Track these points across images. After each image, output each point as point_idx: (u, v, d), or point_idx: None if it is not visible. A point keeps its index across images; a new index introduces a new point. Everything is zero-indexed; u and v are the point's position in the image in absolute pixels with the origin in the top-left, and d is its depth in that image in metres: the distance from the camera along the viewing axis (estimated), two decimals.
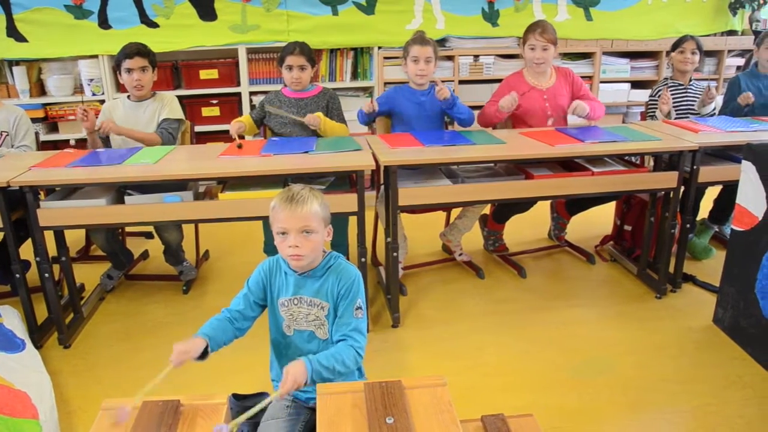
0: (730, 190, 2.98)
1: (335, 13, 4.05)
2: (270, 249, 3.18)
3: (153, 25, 3.91)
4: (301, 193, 1.55)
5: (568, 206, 3.32)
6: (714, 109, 3.26)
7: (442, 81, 3.03)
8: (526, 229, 3.62)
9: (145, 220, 2.50)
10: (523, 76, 3.07)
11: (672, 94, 3.23)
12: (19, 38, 3.80)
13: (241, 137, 2.83)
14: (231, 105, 4.12)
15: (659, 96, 3.21)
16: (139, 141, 2.85)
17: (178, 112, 2.99)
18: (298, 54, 2.87)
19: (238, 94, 4.11)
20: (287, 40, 3.87)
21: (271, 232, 3.33)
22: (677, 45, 3.24)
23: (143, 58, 2.83)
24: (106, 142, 2.94)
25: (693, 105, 3.26)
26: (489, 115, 2.99)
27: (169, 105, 2.96)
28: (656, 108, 3.27)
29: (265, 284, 1.68)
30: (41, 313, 2.59)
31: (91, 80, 3.93)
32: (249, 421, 1.83)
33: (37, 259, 2.42)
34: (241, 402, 1.94)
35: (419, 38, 2.86)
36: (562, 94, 3.08)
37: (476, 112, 3.00)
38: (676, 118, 3.18)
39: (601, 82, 4.44)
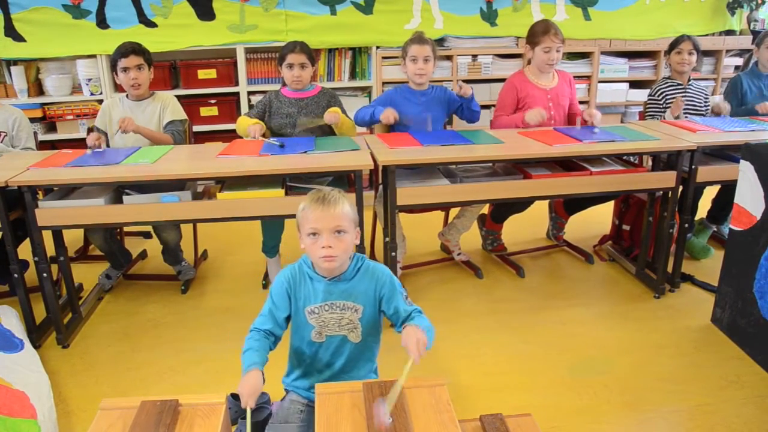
0: (728, 189, 2.98)
1: (333, 12, 4.05)
2: (268, 249, 3.18)
3: (151, 24, 3.91)
4: (332, 194, 1.54)
5: (567, 206, 3.32)
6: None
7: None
8: (524, 229, 3.62)
9: (143, 220, 2.50)
10: (525, 76, 3.07)
11: (671, 94, 3.24)
12: (17, 38, 3.80)
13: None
14: (229, 105, 4.11)
15: (662, 96, 3.21)
16: (155, 141, 2.85)
17: (181, 113, 2.99)
18: (299, 52, 2.86)
19: (237, 94, 4.11)
20: (285, 39, 3.87)
21: (270, 232, 3.33)
22: (674, 45, 3.24)
23: (138, 56, 2.82)
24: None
25: (692, 105, 3.27)
26: (508, 127, 2.99)
27: (170, 106, 2.95)
28: (655, 108, 3.27)
29: (289, 293, 1.63)
30: (40, 312, 2.59)
31: (89, 80, 3.92)
32: (253, 424, 1.83)
33: (36, 258, 2.41)
34: (239, 402, 1.94)
35: (417, 38, 2.86)
36: (564, 95, 3.10)
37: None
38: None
39: (600, 81, 4.45)
